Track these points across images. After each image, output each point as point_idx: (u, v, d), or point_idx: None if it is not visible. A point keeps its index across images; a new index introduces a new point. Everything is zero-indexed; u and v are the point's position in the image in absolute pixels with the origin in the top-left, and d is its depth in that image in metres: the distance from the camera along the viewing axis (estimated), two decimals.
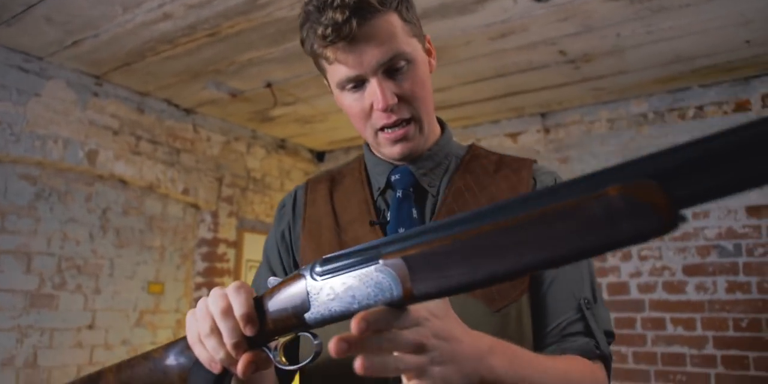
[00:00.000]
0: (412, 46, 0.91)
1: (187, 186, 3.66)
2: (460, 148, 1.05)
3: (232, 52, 2.93)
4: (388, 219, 0.97)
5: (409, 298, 0.58)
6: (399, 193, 0.98)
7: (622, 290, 3.33)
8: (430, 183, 0.98)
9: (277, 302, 0.68)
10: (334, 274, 0.63)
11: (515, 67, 3.11)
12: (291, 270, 1.05)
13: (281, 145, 4.35)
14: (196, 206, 3.79)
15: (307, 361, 0.70)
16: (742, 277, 3.02)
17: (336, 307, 0.63)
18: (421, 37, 0.96)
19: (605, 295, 3.35)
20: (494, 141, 3.90)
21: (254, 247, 3.95)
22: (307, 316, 0.65)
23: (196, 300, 3.70)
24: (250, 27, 2.66)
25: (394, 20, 0.88)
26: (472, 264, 0.54)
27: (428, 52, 0.99)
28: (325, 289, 0.63)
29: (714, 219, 3.12)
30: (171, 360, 0.76)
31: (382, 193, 1.01)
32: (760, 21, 2.58)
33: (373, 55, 0.87)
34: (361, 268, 0.61)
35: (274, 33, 2.71)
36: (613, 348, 3.21)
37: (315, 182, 1.09)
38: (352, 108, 0.93)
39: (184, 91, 3.45)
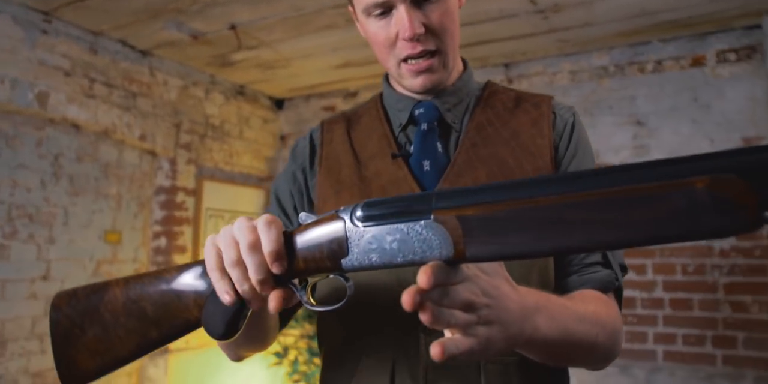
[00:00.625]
0: None
1: (144, 132, 3.52)
2: (478, 86, 1.05)
3: None
4: (411, 152, 0.95)
5: (459, 259, 0.56)
6: (424, 126, 0.96)
7: None
8: (453, 119, 0.98)
9: (311, 242, 0.64)
10: (379, 223, 0.60)
11: (485, 15, 3.09)
12: (303, 210, 1.03)
13: (240, 91, 4.22)
14: (153, 153, 3.66)
15: (341, 304, 0.67)
16: None
17: (377, 258, 0.60)
18: None
19: None
20: None
21: (214, 196, 3.88)
22: (344, 261, 0.62)
23: (155, 249, 3.63)
24: None
25: None
26: (536, 235, 0.52)
27: None
28: (367, 237, 0.60)
29: None
30: (186, 284, 0.72)
31: (404, 128, 1.00)
32: None
33: None
34: (410, 221, 0.58)
35: None
36: None
37: (330, 123, 1.07)
38: (377, 36, 0.92)
39: (142, 32, 3.27)
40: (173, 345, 3.53)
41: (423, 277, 0.53)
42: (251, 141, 4.28)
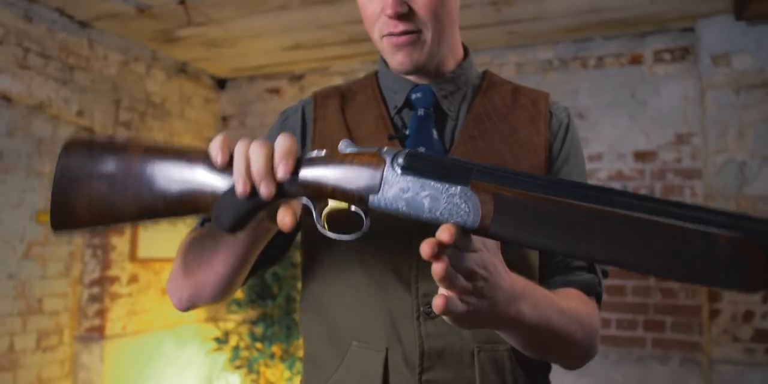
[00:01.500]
0: None
1: (82, 107, 3.34)
2: (475, 75, 1.04)
3: None
4: (408, 135, 0.94)
5: (481, 231, 0.59)
6: (421, 112, 0.95)
7: None
8: (449, 106, 0.97)
9: (347, 170, 0.65)
10: (418, 175, 0.62)
11: None
12: None
13: (182, 69, 4.06)
14: (90, 130, 3.48)
15: (354, 235, 0.68)
16: None
17: (404, 206, 0.62)
18: None
19: None
20: None
21: None
22: (372, 197, 0.63)
23: (90, 231, 3.47)
24: None
25: None
26: (558, 234, 0.55)
27: None
28: (402, 184, 0.62)
29: (606, 162, 3.44)
30: (208, 171, 0.70)
31: (399, 111, 0.98)
32: None
33: None
34: (448, 183, 0.60)
35: None
36: None
37: (324, 97, 1.04)
38: (366, 8, 0.91)
39: (81, 1, 3.09)
40: (109, 331, 3.40)
41: (446, 233, 0.56)
42: (192, 121, 4.15)
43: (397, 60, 0.91)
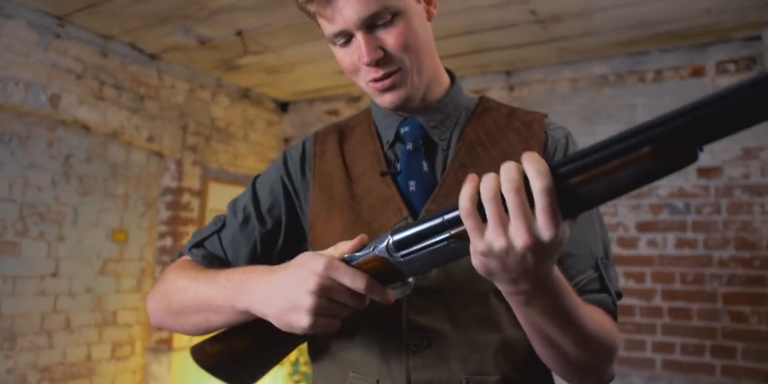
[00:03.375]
0: None
1: (152, 133, 3.60)
2: (471, 100, 1.04)
3: None
4: (399, 170, 0.97)
5: None
6: (409, 146, 0.97)
7: None
8: (440, 136, 0.98)
9: (374, 276, 0.78)
10: (415, 253, 0.74)
11: (485, 24, 3.15)
12: (275, 220, 1.05)
13: (245, 94, 4.30)
14: (160, 154, 3.75)
15: (407, 289, 0.83)
16: (690, 234, 3.23)
17: (426, 268, 0.76)
18: None
19: None
20: None
21: (219, 197, 3.96)
22: (403, 277, 0.79)
23: (161, 249, 3.71)
24: None
25: None
26: None
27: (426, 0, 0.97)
28: (410, 262, 0.75)
29: (667, 179, 3.30)
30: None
31: (392, 146, 1.01)
32: None
33: (353, 11, 0.86)
34: (438, 245, 0.71)
35: None
36: None
37: (323, 135, 1.09)
38: (344, 61, 0.93)
39: (150, 36, 3.35)
40: (176, 343, 3.61)
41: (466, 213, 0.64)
42: (255, 143, 4.36)
43: (386, 100, 0.94)
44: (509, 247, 0.62)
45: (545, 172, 0.60)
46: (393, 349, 0.90)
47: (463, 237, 0.67)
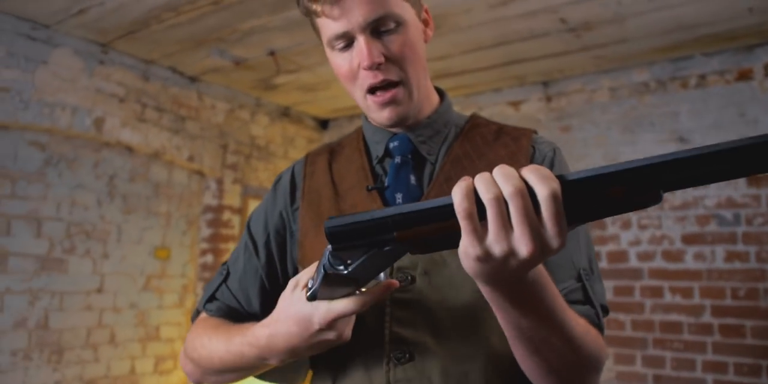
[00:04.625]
0: (403, 10, 0.91)
1: (193, 153, 3.71)
2: (461, 118, 1.05)
3: (235, 20, 2.95)
4: (386, 185, 0.97)
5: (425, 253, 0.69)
6: (397, 159, 0.98)
7: (622, 258, 3.38)
8: (429, 151, 0.99)
9: (334, 288, 0.76)
10: (357, 263, 0.69)
11: (516, 35, 3.10)
12: (271, 252, 1.05)
13: (285, 112, 4.38)
14: (201, 173, 3.85)
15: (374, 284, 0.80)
16: (740, 247, 3.05)
17: (374, 273, 0.73)
18: (416, 4, 0.95)
19: (605, 263, 3.40)
20: (496, 109, 3.92)
21: None
22: (359, 285, 0.77)
23: (202, 265, 3.80)
24: None
25: None
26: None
27: (425, 22, 0.99)
28: (359, 271, 0.70)
29: (714, 188, 3.15)
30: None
31: (381, 161, 1.01)
32: None
33: (360, 12, 0.87)
34: (379, 247, 0.67)
35: (276, 1, 2.72)
36: (611, 315, 3.28)
37: (314, 155, 1.10)
38: (341, 68, 0.93)
39: (188, 59, 3.48)
40: None
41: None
42: (295, 160, 4.42)
43: (384, 116, 0.94)
44: (510, 253, 0.58)
45: (551, 177, 0.57)
46: (375, 362, 0.89)
47: (407, 239, 0.63)
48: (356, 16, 0.87)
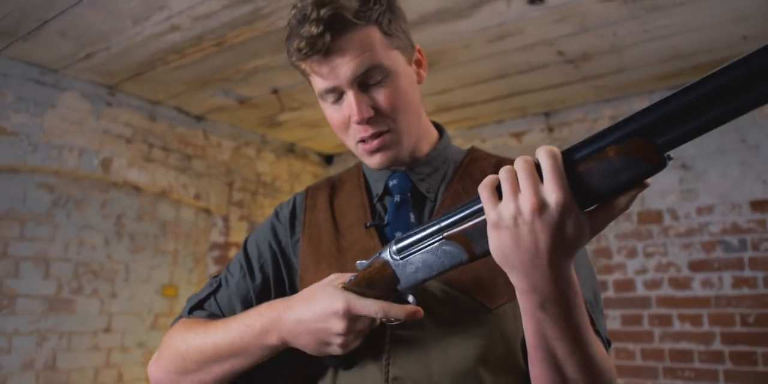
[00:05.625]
0: (391, 59, 0.92)
1: (199, 191, 3.75)
2: (460, 153, 1.06)
3: (239, 61, 3.01)
4: (386, 222, 0.98)
5: (472, 259, 0.75)
6: (396, 198, 0.99)
7: (629, 287, 3.35)
8: (428, 188, 1.00)
9: (372, 283, 0.83)
10: (411, 255, 0.79)
11: (515, 68, 3.15)
12: (265, 276, 1.06)
13: (290, 149, 4.43)
14: (207, 211, 3.88)
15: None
16: (748, 272, 3.03)
17: (420, 276, 0.79)
18: (406, 49, 0.96)
19: (612, 292, 3.38)
20: (499, 141, 3.95)
21: None
22: (399, 287, 0.82)
23: None
24: (254, 36, 2.74)
25: (372, 33, 0.90)
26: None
27: (417, 63, 1.00)
28: (407, 266, 0.79)
29: (718, 214, 3.14)
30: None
31: (380, 199, 1.02)
32: (755, 17, 2.61)
33: (347, 68, 0.88)
34: (430, 245, 0.77)
35: (278, 41, 2.79)
36: (620, 345, 3.24)
37: (315, 189, 1.11)
38: (333, 119, 0.95)
39: (194, 99, 3.54)
40: None
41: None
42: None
43: (375, 161, 0.96)
44: (517, 212, 0.64)
45: (551, 147, 0.65)
46: (374, 371, 0.89)
47: (455, 238, 0.73)
48: (343, 72, 0.89)
